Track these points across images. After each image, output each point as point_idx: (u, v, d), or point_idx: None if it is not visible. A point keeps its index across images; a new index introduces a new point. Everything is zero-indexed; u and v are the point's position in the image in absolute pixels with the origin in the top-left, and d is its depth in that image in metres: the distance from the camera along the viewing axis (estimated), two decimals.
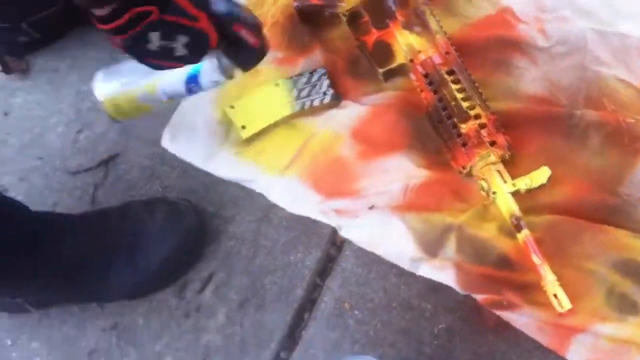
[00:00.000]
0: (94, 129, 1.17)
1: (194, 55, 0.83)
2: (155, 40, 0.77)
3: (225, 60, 0.91)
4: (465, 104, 1.02)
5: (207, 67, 0.91)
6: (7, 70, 1.23)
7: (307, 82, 1.11)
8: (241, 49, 0.88)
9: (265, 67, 1.08)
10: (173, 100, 0.95)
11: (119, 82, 0.93)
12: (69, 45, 1.24)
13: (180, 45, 0.79)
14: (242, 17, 0.85)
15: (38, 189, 1.14)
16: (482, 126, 1.01)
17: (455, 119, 1.02)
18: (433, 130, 1.05)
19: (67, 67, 1.23)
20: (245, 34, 0.86)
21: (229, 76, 0.93)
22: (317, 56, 1.15)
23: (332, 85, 1.11)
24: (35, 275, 0.96)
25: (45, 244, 0.95)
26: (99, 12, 0.73)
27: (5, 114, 1.20)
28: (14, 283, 0.96)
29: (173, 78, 0.91)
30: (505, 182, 0.97)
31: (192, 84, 0.93)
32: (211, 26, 0.82)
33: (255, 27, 0.87)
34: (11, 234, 0.90)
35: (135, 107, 0.95)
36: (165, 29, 0.77)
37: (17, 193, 1.09)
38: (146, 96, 0.93)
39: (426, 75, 1.06)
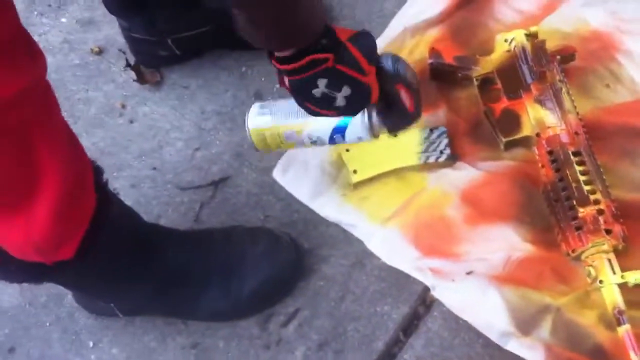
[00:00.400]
0: (211, 149, 1.19)
1: (351, 108, 0.84)
2: (321, 86, 0.79)
3: (376, 119, 0.91)
4: (586, 188, 1.00)
5: (357, 121, 0.92)
6: (142, 81, 1.27)
7: (426, 138, 1.11)
8: (395, 109, 0.88)
9: None
10: (315, 145, 0.97)
11: (271, 118, 0.96)
12: (203, 66, 1.27)
13: (341, 96, 0.81)
14: (406, 78, 0.86)
15: (147, 198, 1.17)
16: (600, 212, 0.98)
17: (574, 201, 0.99)
18: (547, 208, 1.03)
19: (197, 87, 1.26)
20: (404, 95, 0.86)
21: (374, 135, 0.93)
22: (440, 114, 1.14)
23: (450, 145, 1.10)
24: (136, 282, 0.98)
25: (152, 253, 0.97)
26: (281, 53, 0.75)
27: (131, 122, 1.24)
28: (115, 286, 0.98)
29: (321, 125, 0.92)
30: (614, 272, 0.94)
31: (337, 135, 0.94)
32: (376, 82, 0.83)
33: (416, 91, 0.87)
34: (124, 238, 0.93)
35: (278, 142, 0.97)
36: (335, 77, 0.79)
37: (126, 198, 1.11)
38: (291, 136, 0.96)
39: (550, 152, 1.04)
